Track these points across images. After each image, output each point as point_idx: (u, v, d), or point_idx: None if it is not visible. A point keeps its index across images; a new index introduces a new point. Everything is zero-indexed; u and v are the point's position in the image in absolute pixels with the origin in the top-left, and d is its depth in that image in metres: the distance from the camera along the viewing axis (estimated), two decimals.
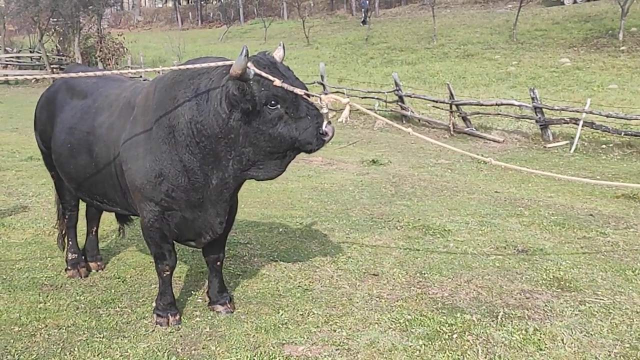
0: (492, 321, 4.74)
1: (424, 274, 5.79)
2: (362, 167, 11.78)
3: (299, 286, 5.46)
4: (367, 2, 44.46)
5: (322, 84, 21.66)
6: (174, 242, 4.72)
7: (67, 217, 5.70)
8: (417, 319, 4.78)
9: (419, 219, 7.71)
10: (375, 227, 7.41)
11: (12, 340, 4.35)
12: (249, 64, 3.91)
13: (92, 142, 4.79)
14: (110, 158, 4.66)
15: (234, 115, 4.05)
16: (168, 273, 4.71)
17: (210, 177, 4.32)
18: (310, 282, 5.57)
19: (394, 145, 15.08)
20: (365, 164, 12.09)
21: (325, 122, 4.08)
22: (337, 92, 20.70)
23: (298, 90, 4.00)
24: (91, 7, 36.10)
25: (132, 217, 5.66)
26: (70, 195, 5.55)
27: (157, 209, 4.44)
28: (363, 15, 44.00)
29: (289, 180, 10.06)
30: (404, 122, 18.46)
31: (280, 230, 7.21)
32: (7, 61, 37.70)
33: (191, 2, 78.37)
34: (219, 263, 4.93)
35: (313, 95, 4.15)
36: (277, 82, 3.94)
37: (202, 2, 73.76)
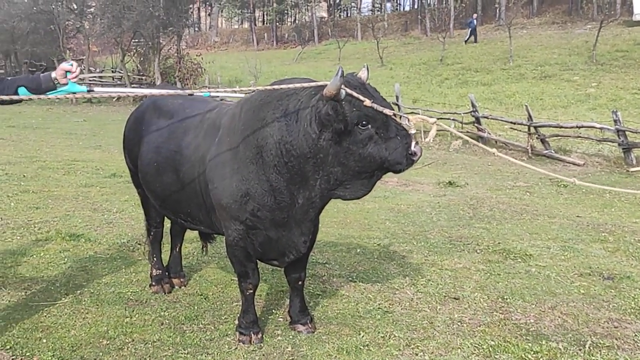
0: (580, 350, 4.60)
1: (506, 299, 5.68)
2: (438, 189, 11.68)
3: (379, 308, 5.42)
4: (475, 21, 44.14)
5: (397, 104, 21.66)
6: (258, 261, 4.76)
7: (152, 233, 5.84)
8: (501, 345, 4.68)
9: (498, 243, 7.59)
10: (454, 250, 7.32)
11: (100, 354, 4.46)
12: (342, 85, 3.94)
13: (178, 161, 4.90)
14: (195, 177, 4.75)
15: (323, 135, 4.07)
16: (251, 291, 4.76)
17: (296, 196, 4.35)
18: (390, 304, 5.54)
19: (470, 167, 14.91)
20: (441, 186, 11.99)
21: (414, 143, 4.07)
22: (411, 112, 20.65)
23: (387, 111, 4.00)
24: (171, 28, 37.07)
25: (214, 235, 5.75)
26: (156, 213, 5.68)
27: (241, 227, 4.49)
28: (469, 34, 43.68)
29: (366, 200, 10.00)
30: (481, 143, 18.25)
31: (358, 250, 7.20)
32: (90, 81, 39.01)
33: (267, 23, 79.58)
34: (300, 282, 4.95)
35: (401, 116, 4.14)
36: (368, 102, 3.95)
37: (278, 23, 74.86)
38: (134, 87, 34.94)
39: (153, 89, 5.78)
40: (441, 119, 20.00)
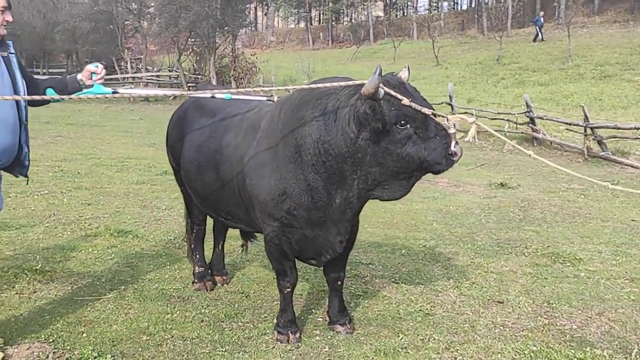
0: (625, 358, 4.47)
1: (552, 303, 5.55)
2: (489, 190, 11.50)
3: (420, 310, 5.36)
4: (542, 19, 43.49)
5: (450, 104, 21.44)
6: (296, 259, 4.75)
7: (194, 231, 5.89)
8: (543, 350, 4.57)
9: (548, 246, 7.43)
10: (502, 252, 7.20)
11: (140, 349, 4.50)
12: (380, 84, 3.89)
13: (218, 160, 4.92)
14: (234, 176, 4.77)
15: (362, 134, 4.03)
16: (289, 290, 4.75)
17: (334, 196, 4.32)
18: (431, 306, 5.46)
19: (524, 169, 14.65)
20: (493, 187, 11.80)
21: (453, 143, 3.98)
22: (465, 112, 20.44)
23: (426, 110, 3.93)
24: (227, 27, 37.45)
25: (255, 234, 5.77)
26: (198, 211, 5.72)
27: (277, 225, 4.49)
28: (537, 31, 43.06)
29: (414, 201, 9.97)
30: (535, 144, 17.95)
31: (403, 252, 7.13)
32: (147, 79, 39.73)
33: (322, 23, 79.79)
34: (339, 282, 4.92)
35: (440, 115, 4.07)
36: (406, 101, 3.89)
37: (333, 23, 74.96)
38: (189, 86, 35.47)
39: (177, 90, 5.83)
40: (495, 119, 19.75)
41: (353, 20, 79.01)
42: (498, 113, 20.39)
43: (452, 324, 5.08)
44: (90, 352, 4.36)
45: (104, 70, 4.43)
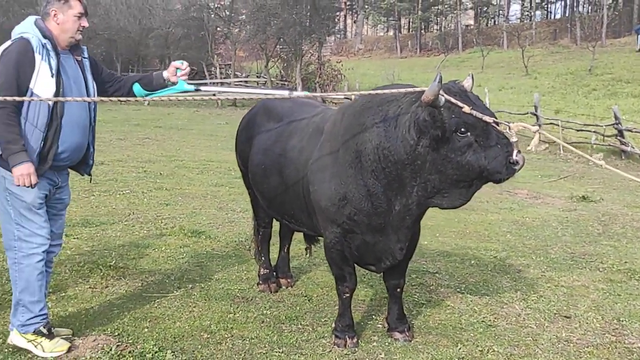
0: None
1: (622, 320, 5.37)
2: (569, 203, 11.18)
3: (482, 321, 5.28)
4: None
5: (535, 114, 20.94)
6: (355, 265, 4.77)
7: (260, 233, 6.00)
8: None
9: (625, 262, 7.19)
10: (575, 266, 7.01)
11: (199, 346, 4.62)
12: (441, 91, 3.88)
13: (283, 164, 5.00)
14: (298, 180, 4.84)
15: (422, 142, 4.03)
16: (348, 295, 4.78)
17: (393, 202, 4.33)
18: (495, 318, 5.38)
19: (609, 182, 14.17)
20: (574, 200, 11.47)
21: (515, 151, 3.93)
22: (551, 123, 19.99)
23: (487, 118, 3.90)
24: (313, 35, 37.79)
25: (319, 237, 5.82)
26: (264, 213, 5.82)
27: (339, 230, 4.53)
28: (637, 41, 41.75)
29: (489, 211, 9.82)
30: (623, 157, 17.38)
31: (472, 262, 7.04)
32: (235, 85, 40.49)
33: (411, 31, 79.42)
34: (398, 290, 4.91)
35: (502, 123, 4.03)
36: (467, 108, 3.87)
37: (422, 31, 74.55)
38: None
39: (255, 89, 5.97)
40: (581, 130, 19.22)
41: (443, 29, 78.40)
42: (585, 125, 19.82)
43: (515, 336, 4.99)
44: (151, 346, 4.50)
45: (188, 67, 4.61)
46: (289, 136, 5.07)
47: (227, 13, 43.54)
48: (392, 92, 4.25)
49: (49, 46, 4.12)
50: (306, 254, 6.30)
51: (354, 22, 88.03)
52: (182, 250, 7.07)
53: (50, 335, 4.40)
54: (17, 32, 4.15)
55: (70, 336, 4.60)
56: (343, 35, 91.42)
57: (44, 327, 4.40)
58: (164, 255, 6.83)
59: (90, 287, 5.74)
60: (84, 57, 4.41)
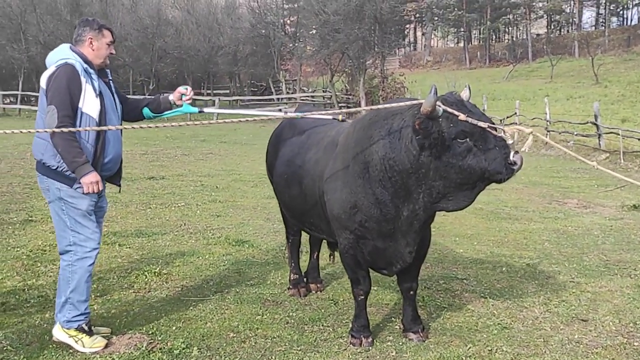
0: None
1: (638, 324, 5.49)
2: (618, 212, 11.16)
3: (498, 324, 5.49)
4: None
5: (595, 124, 20.67)
6: (369, 269, 5.09)
7: (290, 240, 6.38)
8: None
9: None
10: (607, 273, 7.11)
11: (224, 344, 4.99)
12: (438, 102, 4.18)
13: (302, 175, 5.37)
14: (315, 190, 5.19)
15: (424, 151, 4.33)
16: (362, 297, 5.09)
17: (401, 209, 4.62)
18: (512, 320, 5.58)
19: None
20: (624, 209, 11.43)
21: (512, 152, 4.19)
22: (610, 132, 19.74)
23: (481, 123, 4.16)
24: (377, 48, 38.14)
25: None
26: (292, 222, 6.20)
27: (351, 237, 4.85)
28: None
29: (532, 220, 9.94)
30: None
31: (504, 269, 7.21)
32: (301, 100, 41.18)
33: (480, 42, 78.88)
34: (411, 292, 5.19)
35: (497, 128, 4.28)
36: (462, 116, 4.15)
37: (491, 41, 73.90)
38: (340, 107, 36.34)
39: (251, 110, 6.37)
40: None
41: (513, 39, 77.58)
42: None
43: (526, 337, 5.19)
44: (180, 344, 4.91)
45: (192, 92, 5.07)
46: (308, 148, 5.44)
47: (293, 29, 44.35)
48: (393, 105, 4.57)
49: (89, 70, 4.63)
50: (330, 260, 6.62)
51: (423, 34, 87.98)
52: (225, 258, 7.48)
53: (90, 333, 4.86)
54: (55, 58, 4.65)
55: (109, 334, 5.05)
56: (413, 48, 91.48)
57: (86, 325, 4.86)
58: (207, 263, 7.26)
59: (134, 292, 6.21)
60: (109, 80, 4.92)
